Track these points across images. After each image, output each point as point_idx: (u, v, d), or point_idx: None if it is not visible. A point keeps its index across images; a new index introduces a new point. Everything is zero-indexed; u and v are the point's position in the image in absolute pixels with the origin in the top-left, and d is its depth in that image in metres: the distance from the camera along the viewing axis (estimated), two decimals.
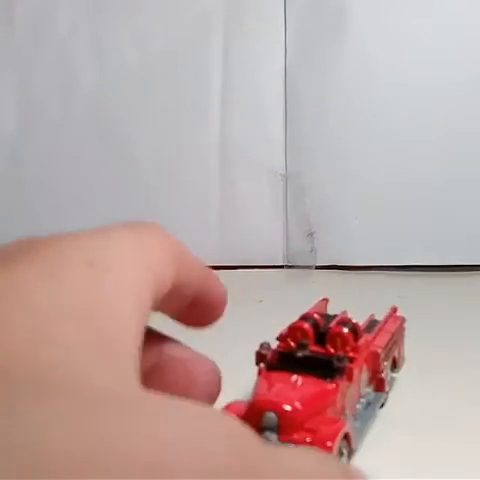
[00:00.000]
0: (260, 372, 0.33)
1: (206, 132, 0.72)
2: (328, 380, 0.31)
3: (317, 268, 0.71)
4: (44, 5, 0.72)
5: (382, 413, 0.37)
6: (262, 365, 0.33)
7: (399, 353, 0.40)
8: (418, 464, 0.32)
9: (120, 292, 0.13)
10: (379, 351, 0.35)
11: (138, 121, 0.73)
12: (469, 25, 0.67)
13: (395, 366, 0.39)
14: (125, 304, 0.13)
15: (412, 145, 0.69)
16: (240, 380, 0.36)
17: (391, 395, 0.38)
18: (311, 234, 0.72)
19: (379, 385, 0.36)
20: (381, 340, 0.37)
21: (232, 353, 0.46)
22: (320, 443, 0.28)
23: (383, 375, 0.36)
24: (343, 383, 0.31)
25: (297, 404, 0.29)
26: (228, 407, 0.30)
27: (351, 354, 0.33)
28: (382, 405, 0.37)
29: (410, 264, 0.69)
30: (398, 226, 0.70)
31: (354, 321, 0.35)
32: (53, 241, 0.14)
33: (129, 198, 0.74)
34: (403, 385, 0.40)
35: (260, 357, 0.33)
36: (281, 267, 0.73)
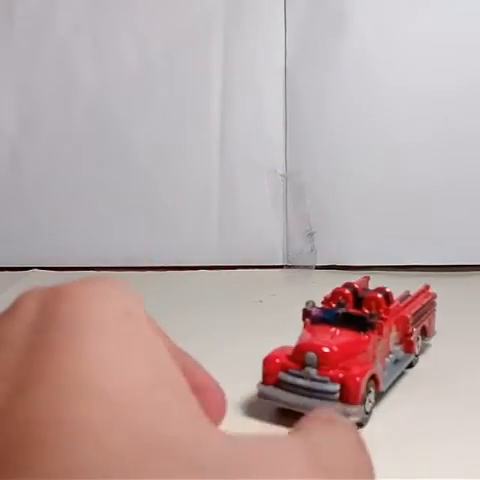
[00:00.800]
0: (305, 325, 0.39)
1: (206, 132, 0.72)
2: (362, 333, 0.37)
3: (317, 268, 0.72)
4: (44, 5, 0.72)
5: (411, 372, 0.42)
6: (307, 320, 0.39)
7: (429, 323, 0.46)
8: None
9: (149, 330, 0.15)
10: (408, 316, 0.42)
11: (138, 121, 0.73)
12: (468, 25, 0.68)
13: (425, 335, 0.45)
14: (157, 340, 0.15)
15: (412, 145, 0.69)
16: (241, 378, 0.36)
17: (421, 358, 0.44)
18: (311, 234, 0.72)
19: (408, 347, 0.42)
20: (411, 308, 0.43)
21: (233, 352, 0.46)
22: (350, 378, 0.34)
23: (412, 338, 0.42)
24: (374, 336, 0.38)
25: (334, 347, 0.35)
26: (277, 350, 0.36)
27: (383, 315, 0.39)
28: (411, 365, 0.43)
29: (410, 264, 0.69)
30: (398, 226, 0.70)
31: (388, 290, 0.41)
32: (90, 303, 0.15)
33: (129, 198, 0.74)
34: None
35: (305, 313, 0.39)
36: (281, 267, 0.73)
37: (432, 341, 0.47)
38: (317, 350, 0.35)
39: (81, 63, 0.73)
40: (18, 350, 0.14)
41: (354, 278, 0.43)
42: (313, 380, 0.34)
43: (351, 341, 0.36)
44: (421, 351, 0.45)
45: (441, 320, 0.48)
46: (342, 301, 0.39)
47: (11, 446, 0.12)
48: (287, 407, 0.34)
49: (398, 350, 0.41)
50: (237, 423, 0.34)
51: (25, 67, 0.73)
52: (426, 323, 0.45)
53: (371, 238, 0.71)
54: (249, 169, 0.72)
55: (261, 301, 0.60)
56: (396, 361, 0.41)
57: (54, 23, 0.72)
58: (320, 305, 0.40)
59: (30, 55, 0.73)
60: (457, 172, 0.69)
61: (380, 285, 0.41)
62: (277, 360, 0.35)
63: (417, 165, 0.69)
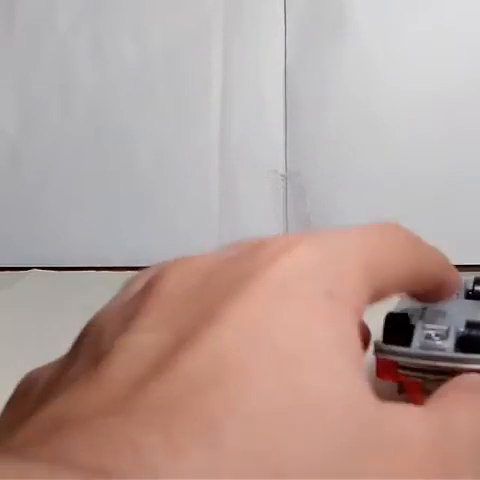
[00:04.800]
0: None
1: (206, 132, 0.72)
2: None
3: None
4: (44, 5, 0.72)
5: None
6: None
7: None
8: None
9: (347, 322, 0.15)
10: None
11: (138, 121, 0.73)
12: (470, 24, 0.67)
13: None
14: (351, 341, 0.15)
15: (413, 145, 0.69)
16: None
17: None
18: None
19: None
20: None
21: None
22: None
23: None
24: None
25: None
26: None
27: None
28: None
29: None
30: None
31: None
32: (273, 269, 0.15)
33: (128, 198, 0.74)
34: None
35: None
36: None
37: None
38: None
39: (81, 63, 0.73)
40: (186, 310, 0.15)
41: None
42: None
43: None
44: None
45: None
46: None
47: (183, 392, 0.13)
48: None
49: None
50: None
51: (25, 67, 0.73)
52: None
53: None
54: (249, 169, 0.72)
55: None
56: None
57: (54, 23, 0.72)
58: None
59: (30, 55, 0.73)
60: (458, 172, 0.69)
61: None
62: None
63: (418, 165, 0.69)
